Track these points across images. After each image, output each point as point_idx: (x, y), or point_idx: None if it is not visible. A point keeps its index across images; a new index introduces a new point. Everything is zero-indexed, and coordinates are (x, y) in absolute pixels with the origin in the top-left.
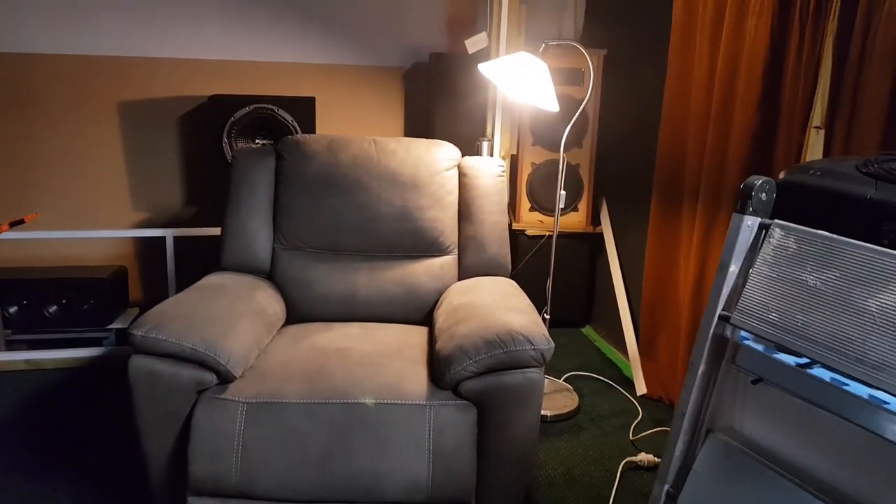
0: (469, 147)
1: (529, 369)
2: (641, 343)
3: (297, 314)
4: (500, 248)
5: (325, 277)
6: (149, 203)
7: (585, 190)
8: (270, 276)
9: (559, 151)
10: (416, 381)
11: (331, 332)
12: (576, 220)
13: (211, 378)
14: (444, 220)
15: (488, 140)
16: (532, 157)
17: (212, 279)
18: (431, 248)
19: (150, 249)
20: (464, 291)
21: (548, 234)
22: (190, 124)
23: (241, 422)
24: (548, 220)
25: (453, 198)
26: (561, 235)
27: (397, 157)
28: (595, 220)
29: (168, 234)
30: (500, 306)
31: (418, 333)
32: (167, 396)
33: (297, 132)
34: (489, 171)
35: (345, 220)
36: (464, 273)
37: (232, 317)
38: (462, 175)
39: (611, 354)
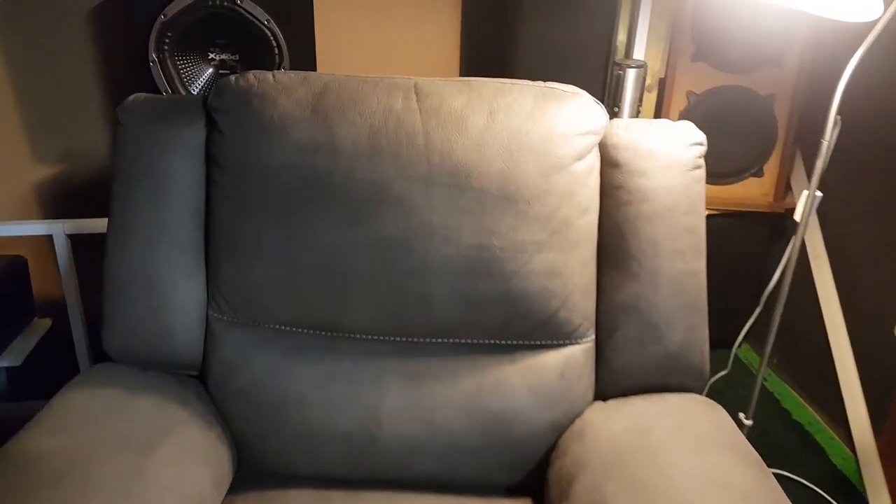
0: (588, 81)
1: None
2: (890, 432)
3: (255, 464)
4: (690, 331)
5: (314, 393)
6: (57, 151)
7: (780, 141)
8: (203, 375)
9: (740, 72)
10: None
11: None
12: (756, 191)
13: None
14: (571, 272)
15: (637, 65)
16: (689, 82)
17: (60, 422)
18: (541, 330)
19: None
20: (625, 465)
21: (709, 212)
22: (104, 26)
23: None
24: (711, 191)
25: (590, 220)
26: (726, 214)
27: (469, 128)
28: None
29: (57, 230)
30: None
31: None
32: None
33: (278, 45)
34: (670, 152)
35: (354, 272)
36: (609, 382)
37: None
38: (609, 164)
39: (797, 411)
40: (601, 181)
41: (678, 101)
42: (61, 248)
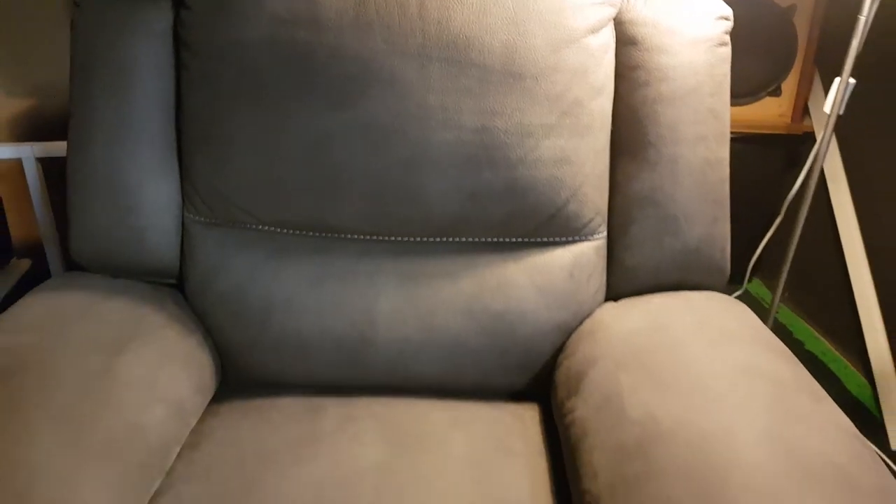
0: None
1: None
2: None
3: (241, 372)
4: (712, 225)
5: (303, 296)
6: (24, 84)
7: (800, 57)
8: (180, 283)
9: None
10: None
11: (312, 459)
12: (773, 112)
13: None
14: (582, 160)
15: None
16: None
17: (21, 321)
18: (549, 225)
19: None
20: (641, 357)
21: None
22: None
23: None
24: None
25: (603, 103)
26: (740, 138)
27: None
28: (805, 111)
29: (27, 153)
30: (799, 466)
31: (519, 441)
32: None
33: None
34: (694, 27)
35: (342, 163)
36: (622, 282)
37: (14, 498)
38: (626, 42)
39: (810, 342)
40: (616, 62)
41: None
42: (31, 173)
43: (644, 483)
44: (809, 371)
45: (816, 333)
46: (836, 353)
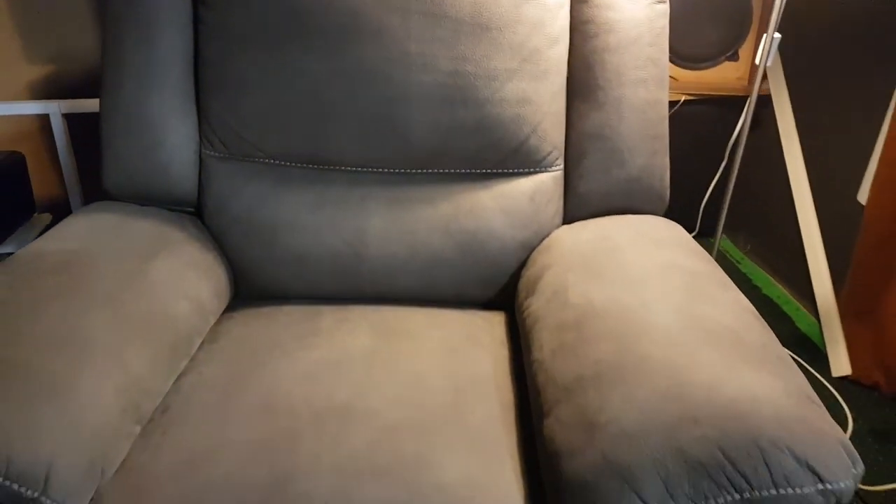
0: None
1: None
2: (848, 291)
3: (251, 285)
4: (652, 157)
5: (303, 219)
6: (47, 44)
7: (755, 23)
8: (199, 210)
9: None
10: None
11: (313, 347)
12: (731, 75)
13: None
14: (541, 100)
15: None
16: None
17: (64, 234)
18: (513, 157)
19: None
20: (586, 260)
21: (684, 97)
22: None
23: None
24: (687, 76)
25: (559, 51)
26: (700, 100)
27: None
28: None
29: (53, 109)
30: (699, 329)
31: (487, 336)
32: None
33: None
34: None
35: (336, 103)
36: (576, 207)
37: (73, 355)
38: (579, 1)
39: (767, 287)
40: (571, 18)
41: None
42: (58, 128)
43: (578, 346)
44: (764, 313)
45: (773, 280)
46: (790, 297)
